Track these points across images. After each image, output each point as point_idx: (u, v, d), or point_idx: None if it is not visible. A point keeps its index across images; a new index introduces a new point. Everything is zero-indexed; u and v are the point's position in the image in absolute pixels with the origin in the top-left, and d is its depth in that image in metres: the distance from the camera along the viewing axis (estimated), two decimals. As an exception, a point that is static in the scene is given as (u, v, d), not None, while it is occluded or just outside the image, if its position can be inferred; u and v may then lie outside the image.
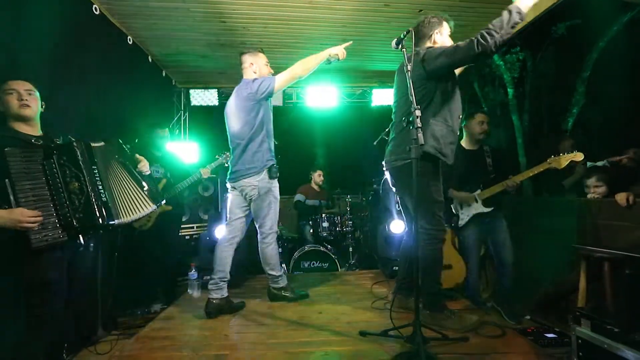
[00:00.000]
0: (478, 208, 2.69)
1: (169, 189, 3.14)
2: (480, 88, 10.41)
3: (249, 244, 3.12)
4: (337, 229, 3.80)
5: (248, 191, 2.50)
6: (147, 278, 3.08)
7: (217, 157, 3.28)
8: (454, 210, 2.80)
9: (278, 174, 2.56)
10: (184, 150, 4.66)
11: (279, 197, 2.61)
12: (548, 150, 3.51)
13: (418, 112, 1.66)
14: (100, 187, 1.75)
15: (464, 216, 2.75)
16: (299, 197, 4.50)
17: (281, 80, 2.44)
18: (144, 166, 2.07)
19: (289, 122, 5.94)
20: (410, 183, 1.90)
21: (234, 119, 2.57)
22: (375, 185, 4.11)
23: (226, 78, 4.80)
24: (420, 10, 3.22)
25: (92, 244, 1.83)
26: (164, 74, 4.50)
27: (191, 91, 4.80)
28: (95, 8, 2.91)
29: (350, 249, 3.80)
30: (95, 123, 2.79)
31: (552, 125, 9.57)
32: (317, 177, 4.53)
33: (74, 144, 1.74)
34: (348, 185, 4.93)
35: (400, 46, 1.92)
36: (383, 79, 4.90)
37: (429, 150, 1.98)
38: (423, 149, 1.83)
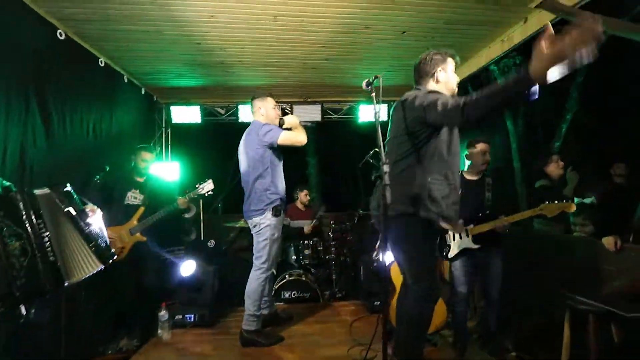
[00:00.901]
0: (467, 243, 2.62)
1: (148, 216, 3.00)
2: (475, 90, 10.27)
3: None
4: (321, 255, 3.67)
5: (251, 227, 2.66)
6: (121, 312, 2.96)
7: (197, 185, 3.14)
8: (446, 240, 2.75)
9: (282, 212, 2.64)
10: (165, 170, 4.53)
11: (279, 234, 2.64)
12: (538, 171, 3.43)
13: (386, 168, 1.54)
14: (47, 246, 1.60)
15: (455, 247, 2.70)
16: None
17: (285, 138, 2.57)
18: (94, 216, 1.89)
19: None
20: (401, 238, 1.82)
21: (243, 158, 2.73)
22: (360, 211, 3.97)
23: (209, 94, 4.67)
24: (404, 32, 3.10)
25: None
26: (143, 92, 4.35)
27: (172, 108, 4.65)
28: (60, 33, 2.76)
29: (334, 276, 3.67)
30: (61, 154, 2.67)
31: (547, 131, 9.47)
32: (303, 196, 4.39)
33: (14, 194, 1.54)
34: (336, 205, 4.81)
35: (370, 88, 1.79)
36: (367, 93, 4.77)
37: (430, 217, 1.71)
38: (421, 215, 1.71)
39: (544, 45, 1.13)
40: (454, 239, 2.72)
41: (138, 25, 2.86)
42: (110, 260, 1.81)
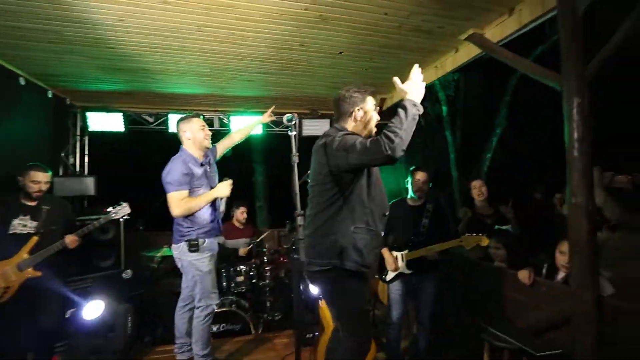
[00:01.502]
0: (402, 268, 2.68)
1: (46, 247, 2.52)
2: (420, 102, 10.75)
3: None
4: (254, 281, 3.44)
5: (175, 260, 2.47)
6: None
7: (110, 209, 2.73)
8: (385, 264, 2.77)
9: (203, 247, 2.39)
10: (78, 185, 3.95)
11: (207, 269, 2.42)
12: (465, 192, 3.58)
13: (300, 220, 1.39)
14: None
15: (391, 272, 2.74)
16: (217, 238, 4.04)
17: (179, 207, 2.34)
18: None
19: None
20: (330, 293, 1.71)
21: None
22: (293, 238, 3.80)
23: (135, 99, 4.19)
24: (341, 52, 3.02)
25: None
26: (50, 95, 3.75)
27: (88, 114, 4.08)
28: None
29: (268, 304, 3.46)
30: None
31: (480, 142, 10.21)
32: (240, 214, 4.11)
33: None
34: (281, 217, 4.56)
35: (291, 123, 1.65)
36: (313, 105, 4.67)
37: (351, 268, 1.62)
38: (347, 267, 1.61)
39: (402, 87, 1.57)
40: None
41: (31, 23, 2.40)
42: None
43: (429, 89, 10.19)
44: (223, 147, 2.81)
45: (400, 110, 1.50)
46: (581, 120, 1.81)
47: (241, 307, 3.22)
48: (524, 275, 2.17)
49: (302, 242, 1.40)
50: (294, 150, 1.60)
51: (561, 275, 2.17)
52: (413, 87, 1.55)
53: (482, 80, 10.30)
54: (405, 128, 1.46)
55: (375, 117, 1.81)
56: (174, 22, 2.47)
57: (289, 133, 1.65)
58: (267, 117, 3.02)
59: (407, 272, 2.65)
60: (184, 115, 2.62)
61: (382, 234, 1.78)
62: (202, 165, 2.50)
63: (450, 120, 10.24)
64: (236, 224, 4.17)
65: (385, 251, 2.74)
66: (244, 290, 3.45)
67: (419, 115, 1.51)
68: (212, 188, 2.51)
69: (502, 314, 2.35)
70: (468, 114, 10.54)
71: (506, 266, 2.62)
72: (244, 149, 9.68)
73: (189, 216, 2.37)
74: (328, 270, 1.61)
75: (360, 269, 1.63)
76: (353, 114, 1.75)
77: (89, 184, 4.04)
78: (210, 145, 2.60)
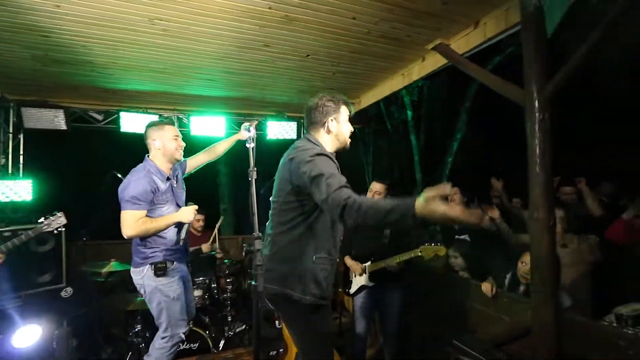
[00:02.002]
0: (364, 280, 2.61)
1: None
2: (385, 106, 10.98)
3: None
4: (214, 294, 3.22)
5: (137, 286, 2.19)
6: None
7: (42, 219, 2.39)
8: (349, 276, 2.72)
9: (172, 270, 2.15)
10: (11, 190, 3.49)
11: (175, 294, 2.17)
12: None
13: (258, 244, 1.25)
14: None
15: (354, 285, 2.69)
16: None
17: (133, 229, 2.03)
18: None
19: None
20: (289, 322, 1.59)
21: None
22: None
23: (81, 94, 3.77)
24: (308, 55, 2.89)
25: None
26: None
27: (23, 110, 3.61)
28: None
29: (230, 318, 3.25)
30: None
31: (442, 146, 10.57)
32: (196, 222, 3.84)
33: None
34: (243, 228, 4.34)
35: (249, 133, 1.50)
36: (279, 109, 4.50)
37: (309, 302, 1.49)
38: (305, 302, 1.47)
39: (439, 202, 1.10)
40: (355, 276, 2.69)
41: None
42: None
43: (395, 93, 10.44)
44: (195, 163, 2.54)
45: (399, 208, 1.15)
46: (543, 137, 1.83)
47: (199, 324, 2.99)
48: (486, 287, 2.19)
49: (260, 269, 1.26)
50: (252, 164, 1.43)
51: (523, 287, 2.21)
52: (430, 206, 1.09)
53: (445, 86, 10.68)
54: (377, 221, 1.19)
55: (348, 129, 1.70)
56: (122, 13, 2.21)
57: (247, 145, 1.49)
58: (242, 135, 2.50)
59: (370, 284, 2.59)
60: (156, 121, 2.37)
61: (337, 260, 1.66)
62: (168, 179, 2.23)
63: (414, 124, 10.51)
64: (192, 231, 3.91)
65: (347, 259, 2.70)
66: (202, 305, 3.21)
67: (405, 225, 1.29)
68: (178, 206, 2.24)
69: (466, 325, 2.36)
70: (432, 119, 10.88)
71: (466, 275, 2.65)
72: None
73: (154, 238, 2.11)
74: (285, 299, 1.48)
75: (318, 302, 1.50)
76: (326, 124, 1.63)
77: (24, 188, 3.58)
78: (182, 158, 2.31)
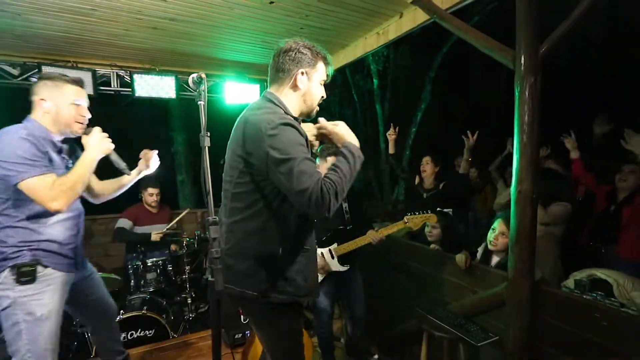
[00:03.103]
0: (335, 266, 2.34)
1: None
2: (352, 75, 10.68)
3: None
4: (171, 276, 2.92)
5: None
6: None
7: None
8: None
9: (44, 276, 1.53)
10: None
11: (44, 312, 1.53)
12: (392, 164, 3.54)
13: (214, 231, 0.98)
14: None
15: (320, 275, 2.41)
16: (122, 222, 3.31)
17: (60, 196, 1.47)
18: None
19: (108, 114, 4.40)
20: (254, 323, 1.35)
21: None
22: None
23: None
24: (272, 2, 2.48)
25: None
26: None
27: None
28: None
29: (190, 300, 2.99)
30: None
31: (407, 116, 10.60)
32: (149, 196, 3.41)
33: None
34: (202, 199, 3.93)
35: (198, 87, 1.16)
36: (238, 69, 4.03)
37: (281, 301, 1.25)
38: (273, 301, 1.23)
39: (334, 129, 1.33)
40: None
41: None
42: None
43: (362, 61, 10.12)
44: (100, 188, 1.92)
45: (350, 158, 1.17)
46: (532, 103, 1.69)
47: (155, 309, 2.70)
48: (460, 259, 2.13)
49: (218, 263, 1.00)
50: (203, 127, 1.11)
51: (495, 259, 2.18)
52: (345, 130, 1.31)
53: (410, 55, 10.52)
54: (350, 182, 1.16)
55: (319, 92, 1.37)
56: None
57: (197, 102, 1.15)
58: (143, 167, 1.95)
59: (343, 268, 2.33)
60: (51, 73, 1.75)
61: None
62: (60, 152, 1.66)
63: (380, 93, 10.36)
64: (147, 207, 3.49)
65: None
66: (158, 288, 2.90)
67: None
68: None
69: (441, 299, 2.33)
70: (397, 88, 10.78)
71: (439, 247, 2.61)
72: (159, 115, 8.46)
73: (21, 225, 1.52)
74: (249, 300, 1.23)
75: (295, 299, 1.26)
76: (295, 77, 1.28)
77: None
78: (80, 133, 1.68)
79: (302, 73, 1.29)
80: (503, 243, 2.09)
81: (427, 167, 3.13)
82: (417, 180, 3.32)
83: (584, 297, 1.85)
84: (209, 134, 1.11)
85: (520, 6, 1.73)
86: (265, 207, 1.20)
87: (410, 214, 2.20)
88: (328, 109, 10.43)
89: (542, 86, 1.69)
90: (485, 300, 2.04)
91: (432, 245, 2.62)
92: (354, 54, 3.36)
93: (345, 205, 2.38)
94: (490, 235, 2.18)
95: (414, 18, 2.62)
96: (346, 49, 3.44)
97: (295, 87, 1.30)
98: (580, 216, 2.87)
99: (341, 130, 1.30)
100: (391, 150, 3.41)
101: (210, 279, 1.03)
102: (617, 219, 2.61)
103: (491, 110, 9.26)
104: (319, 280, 2.34)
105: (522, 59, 1.72)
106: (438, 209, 2.78)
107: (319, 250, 2.30)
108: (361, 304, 2.49)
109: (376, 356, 2.82)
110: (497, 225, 2.16)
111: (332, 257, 2.31)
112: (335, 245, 2.31)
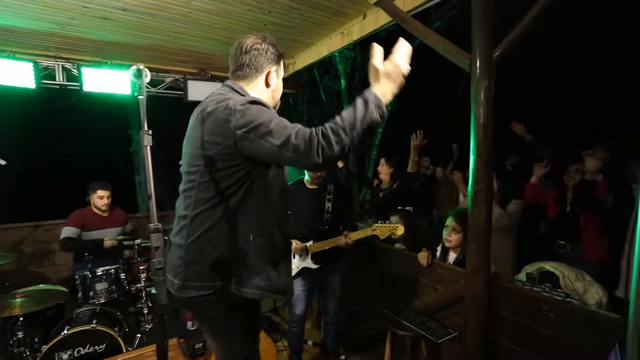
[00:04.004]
0: (307, 262, 2.39)
1: None
2: (320, 75, 10.70)
3: None
4: (124, 285, 2.71)
5: None
6: None
7: None
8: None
9: None
10: None
11: None
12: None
13: (156, 239, 0.89)
14: None
15: (294, 266, 2.45)
16: (68, 232, 3.00)
17: None
18: None
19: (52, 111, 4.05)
20: (207, 325, 1.26)
21: None
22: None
23: None
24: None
25: None
26: None
27: None
28: None
29: (146, 310, 2.80)
30: None
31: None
32: (98, 199, 3.13)
33: None
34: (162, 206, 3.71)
35: (139, 81, 1.07)
36: (201, 65, 3.86)
37: (251, 296, 1.16)
38: (241, 292, 1.14)
39: (377, 65, 1.03)
40: (294, 257, 2.47)
41: None
42: None
43: (330, 62, 10.18)
44: None
45: (360, 105, 0.98)
46: (487, 105, 1.76)
47: (106, 322, 2.49)
48: (422, 257, 2.18)
49: (162, 275, 0.91)
50: (144, 125, 1.02)
51: (453, 255, 2.25)
52: (390, 74, 1.01)
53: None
54: (355, 134, 0.97)
55: (282, 88, 1.34)
56: None
57: (136, 96, 1.06)
58: None
59: (314, 266, 2.37)
60: None
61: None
62: None
63: (347, 94, 10.48)
64: (96, 211, 3.22)
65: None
66: (110, 299, 2.68)
67: (377, 123, 0.99)
68: None
69: (405, 297, 2.36)
70: (363, 90, 10.95)
71: (404, 246, 2.65)
72: (118, 113, 7.95)
73: None
74: (210, 297, 1.14)
75: (256, 296, 1.17)
76: (266, 74, 1.25)
77: None
78: None
79: (274, 71, 1.27)
80: (456, 239, 2.16)
81: (383, 168, 3.18)
82: (375, 182, 3.38)
83: (534, 289, 1.96)
84: (150, 132, 1.01)
85: (476, 12, 1.79)
86: (233, 194, 1.13)
87: (380, 222, 2.21)
88: (296, 109, 10.38)
89: (496, 90, 1.76)
90: (446, 297, 2.10)
91: (397, 245, 2.65)
92: (319, 54, 3.34)
93: (328, 205, 2.39)
94: (444, 233, 2.25)
95: (377, 19, 2.64)
96: (311, 48, 3.41)
97: (267, 84, 1.27)
98: (533, 212, 3.03)
99: (382, 68, 1.02)
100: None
101: (153, 291, 0.94)
102: (575, 220, 2.73)
103: (454, 112, 9.68)
104: (294, 274, 2.39)
105: (478, 62, 1.78)
106: (399, 207, 2.82)
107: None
108: (334, 304, 2.49)
109: (343, 357, 2.82)
110: (449, 222, 2.23)
111: (307, 254, 2.35)
112: (311, 242, 2.35)
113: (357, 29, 2.84)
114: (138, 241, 2.93)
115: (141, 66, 1.04)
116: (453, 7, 7.30)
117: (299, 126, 1.01)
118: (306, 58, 3.55)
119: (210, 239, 1.14)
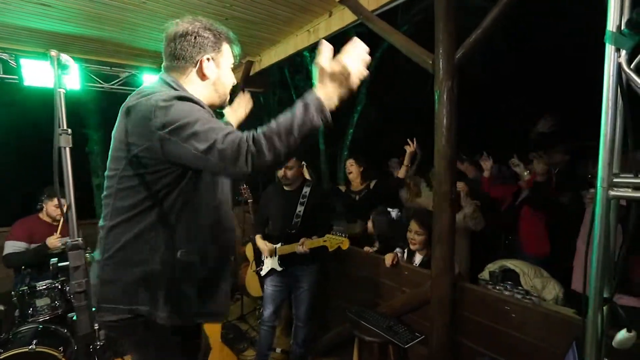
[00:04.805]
0: (274, 264, 2.38)
1: None
2: (291, 75, 10.57)
3: None
4: (69, 299, 2.46)
5: None
6: None
7: None
8: (262, 255, 2.49)
9: None
10: None
11: None
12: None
13: (76, 258, 0.77)
14: None
15: (265, 266, 2.46)
16: (11, 247, 2.64)
17: None
18: None
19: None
20: (140, 351, 1.12)
21: None
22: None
23: None
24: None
25: None
26: None
27: None
28: None
29: (96, 326, 2.55)
30: None
31: (344, 118, 10.84)
32: (53, 207, 2.79)
33: None
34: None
35: (57, 73, 0.93)
36: (157, 60, 3.63)
37: (177, 323, 1.03)
38: (160, 322, 0.99)
39: (323, 64, 0.91)
40: (266, 257, 2.47)
41: None
42: None
43: (301, 62, 10.08)
44: None
45: (299, 109, 0.88)
46: (450, 106, 1.75)
47: (49, 341, 2.25)
48: (388, 258, 2.16)
49: (83, 300, 0.78)
50: (61, 122, 0.88)
51: (419, 257, 2.24)
52: (336, 75, 0.90)
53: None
54: (292, 141, 0.86)
55: (231, 80, 1.19)
56: None
57: (56, 88, 0.91)
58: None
59: (278, 268, 2.37)
60: None
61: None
62: None
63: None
64: (46, 219, 2.87)
65: (258, 239, 2.47)
66: (53, 315, 2.43)
67: (317, 128, 0.89)
68: None
69: (372, 300, 2.33)
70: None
71: (372, 250, 2.62)
72: (70, 110, 7.40)
73: None
74: (132, 322, 1.00)
75: (184, 323, 1.03)
76: (199, 64, 1.09)
77: None
78: None
79: (208, 59, 1.10)
80: (419, 241, 2.17)
81: (352, 168, 3.11)
82: (344, 188, 3.30)
83: (497, 288, 1.99)
84: (69, 132, 0.87)
85: (439, 13, 1.78)
86: (159, 203, 0.98)
87: (333, 234, 2.16)
88: (266, 108, 10.19)
89: (459, 91, 1.75)
90: (413, 300, 2.08)
91: (366, 248, 2.62)
92: (285, 51, 3.24)
93: (300, 209, 2.33)
94: (408, 235, 2.25)
95: (342, 17, 2.59)
96: (277, 45, 3.31)
97: (202, 76, 1.11)
98: (489, 210, 3.12)
99: (329, 67, 0.90)
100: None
101: (75, 318, 0.80)
102: (518, 214, 2.86)
103: (420, 113, 9.90)
104: (265, 273, 2.41)
105: (440, 63, 1.77)
106: (380, 207, 2.78)
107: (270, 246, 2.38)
108: (304, 308, 2.42)
109: (311, 362, 2.75)
110: (411, 225, 2.23)
111: (275, 255, 2.36)
112: (280, 244, 2.35)
113: (323, 27, 2.77)
114: (54, 260, 2.59)
115: (53, 52, 0.89)
116: (420, 12, 7.46)
117: (229, 129, 0.90)
118: (272, 56, 3.44)
119: (128, 255, 1.00)
